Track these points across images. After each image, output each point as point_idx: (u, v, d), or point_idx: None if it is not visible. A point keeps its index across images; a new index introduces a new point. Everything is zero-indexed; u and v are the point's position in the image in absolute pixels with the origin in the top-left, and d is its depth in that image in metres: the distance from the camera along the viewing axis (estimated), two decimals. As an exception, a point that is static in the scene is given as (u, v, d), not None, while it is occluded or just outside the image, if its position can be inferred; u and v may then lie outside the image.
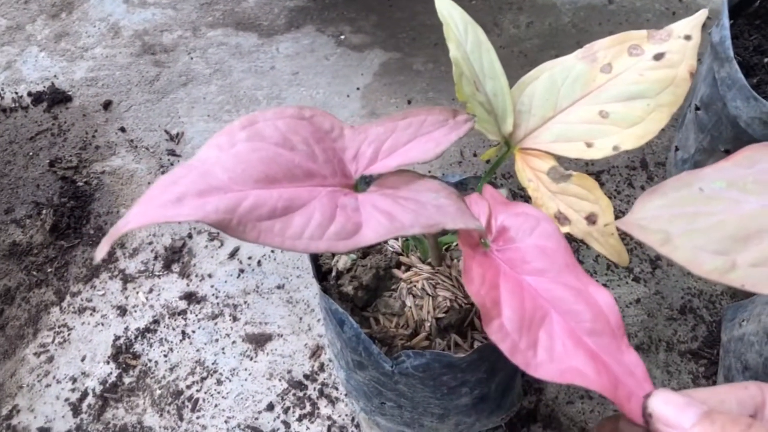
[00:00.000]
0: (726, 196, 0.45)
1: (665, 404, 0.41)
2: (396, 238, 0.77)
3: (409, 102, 1.32)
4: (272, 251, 1.11)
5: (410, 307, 0.72)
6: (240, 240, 0.46)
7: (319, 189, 0.50)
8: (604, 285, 1.05)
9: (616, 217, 1.06)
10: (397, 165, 0.55)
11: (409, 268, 0.75)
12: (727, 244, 0.43)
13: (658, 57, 0.64)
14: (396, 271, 0.75)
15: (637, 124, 0.63)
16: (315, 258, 0.76)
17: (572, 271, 0.51)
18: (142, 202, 0.45)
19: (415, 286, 0.73)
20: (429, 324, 0.71)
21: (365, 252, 0.77)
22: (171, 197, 0.45)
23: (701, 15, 0.65)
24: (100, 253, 0.43)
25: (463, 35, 0.66)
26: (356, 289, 0.72)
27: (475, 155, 1.23)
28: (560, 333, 0.48)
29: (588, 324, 0.48)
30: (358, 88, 1.36)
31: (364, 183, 0.58)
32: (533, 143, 0.66)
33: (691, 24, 0.65)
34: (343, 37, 1.46)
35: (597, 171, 1.20)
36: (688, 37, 0.64)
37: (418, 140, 0.57)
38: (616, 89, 0.65)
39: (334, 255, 0.77)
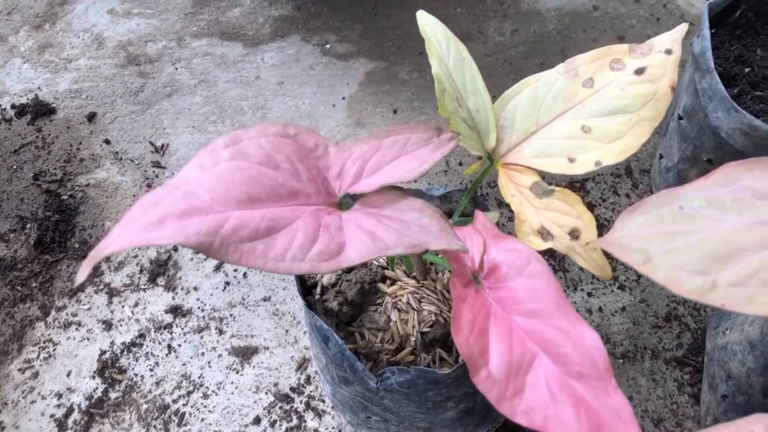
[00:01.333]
0: (706, 215, 0.45)
1: None
2: None
3: (395, 111, 1.32)
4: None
5: (395, 322, 0.72)
6: (222, 261, 0.46)
7: (303, 208, 0.50)
8: (590, 294, 1.06)
9: (601, 225, 1.06)
10: (381, 183, 0.55)
11: (394, 282, 0.75)
12: (707, 263, 0.43)
13: (640, 71, 0.65)
14: (381, 286, 0.75)
15: (619, 139, 0.63)
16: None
17: (563, 312, 0.52)
18: (124, 223, 0.44)
19: (400, 300, 0.74)
20: (414, 338, 0.71)
21: (350, 267, 0.77)
22: (152, 219, 0.44)
23: (682, 29, 0.65)
24: (81, 275, 0.43)
25: (445, 51, 0.66)
26: (341, 305, 0.72)
27: (460, 164, 1.23)
28: (547, 377, 0.48)
29: (576, 367, 0.48)
30: (343, 98, 1.36)
31: (350, 198, 0.58)
32: (516, 158, 0.66)
33: (672, 38, 0.65)
34: (328, 46, 1.46)
35: (582, 179, 1.20)
36: (669, 51, 0.65)
37: (402, 158, 0.57)
38: (598, 104, 0.65)
39: (318, 270, 0.77)
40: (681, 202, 0.47)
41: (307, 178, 0.53)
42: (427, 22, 0.67)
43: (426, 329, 0.71)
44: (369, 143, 0.58)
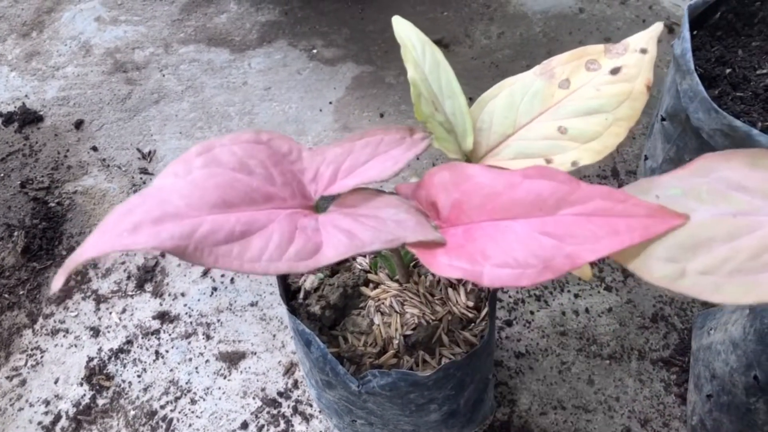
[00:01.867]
0: (681, 204, 0.46)
1: None
2: (364, 256, 0.77)
3: (382, 115, 1.33)
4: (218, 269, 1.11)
5: (378, 325, 0.72)
6: (198, 265, 0.47)
7: (278, 212, 0.51)
8: (576, 295, 1.06)
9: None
10: (356, 184, 0.55)
11: (377, 285, 0.75)
12: (678, 252, 0.44)
13: (615, 71, 0.65)
14: (364, 289, 0.75)
15: (595, 138, 0.63)
16: (283, 278, 0.76)
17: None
18: (99, 231, 0.45)
19: (383, 303, 0.74)
20: (397, 341, 0.71)
21: (333, 270, 0.77)
22: (127, 226, 0.45)
23: (656, 28, 0.66)
24: (57, 283, 0.43)
25: (420, 56, 0.66)
26: (324, 309, 0.73)
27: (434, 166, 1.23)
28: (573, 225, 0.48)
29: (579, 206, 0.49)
30: (330, 102, 1.36)
31: (326, 201, 0.58)
32: (494, 160, 0.66)
33: (646, 37, 0.65)
34: (315, 51, 1.46)
35: (568, 181, 1.20)
36: (644, 51, 0.65)
37: (376, 159, 0.58)
38: (574, 104, 0.65)
39: (302, 275, 0.77)
40: (657, 191, 0.47)
41: (281, 182, 0.54)
42: (402, 28, 0.67)
43: (409, 332, 0.71)
44: (342, 146, 0.58)
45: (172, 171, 0.50)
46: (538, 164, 0.64)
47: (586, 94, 0.65)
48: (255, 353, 1.01)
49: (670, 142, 0.99)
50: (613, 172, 1.22)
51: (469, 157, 0.67)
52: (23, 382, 1.00)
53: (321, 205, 0.55)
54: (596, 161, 0.63)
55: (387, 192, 0.58)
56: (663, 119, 1.00)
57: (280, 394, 0.97)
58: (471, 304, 0.74)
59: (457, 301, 0.74)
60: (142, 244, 0.44)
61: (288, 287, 0.77)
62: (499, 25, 1.50)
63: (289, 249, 0.47)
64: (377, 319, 0.73)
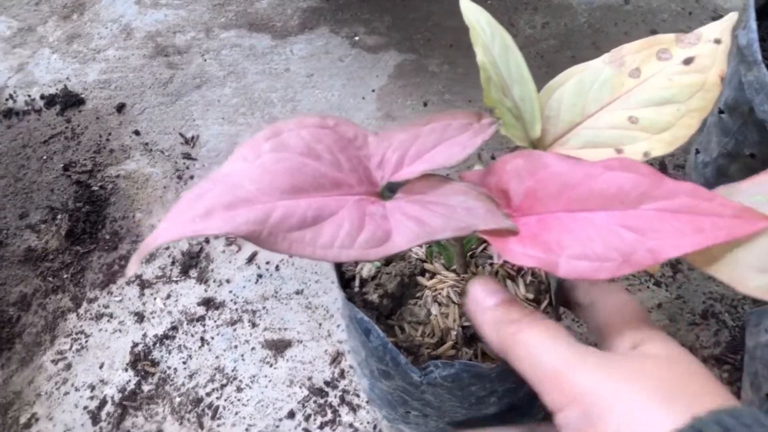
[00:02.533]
0: (766, 211, 0.44)
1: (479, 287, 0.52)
2: (420, 245, 0.76)
3: (425, 104, 1.31)
4: (290, 255, 1.10)
5: (436, 316, 0.71)
6: (271, 251, 0.45)
7: (347, 198, 0.50)
8: (627, 289, 1.04)
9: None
10: (422, 171, 0.54)
11: (433, 275, 0.74)
12: (769, 261, 0.42)
13: (688, 61, 0.63)
14: (421, 279, 0.74)
15: (667, 129, 0.61)
16: (338, 266, 0.75)
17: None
18: (170, 217, 0.44)
19: (440, 294, 0.72)
20: (455, 333, 0.70)
21: (389, 259, 0.76)
22: (199, 211, 0.44)
23: (731, 18, 0.64)
24: (131, 269, 0.42)
25: (490, 39, 0.65)
26: (381, 297, 0.71)
27: (493, 158, 1.22)
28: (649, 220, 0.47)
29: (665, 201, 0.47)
30: (373, 90, 1.35)
31: (389, 191, 0.57)
32: (562, 149, 0.64)
33: (720, 27, 0.63)
34: (357, 38, 1.45)
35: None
36: (717, 41, 0.63)
37: (443, 145, 0.56)
38: (645, 94, 0.63)
39: (357, 263, 0.76)
40: (739, 198, 0.46)
41: (348, 168, 0.52)
42: (470, 10, 0.65)
43: (467, 323, 0.70)
44: (408, 132, 0.56)
45: (241, 155, 0.49)
46: (608, 154, 0.62)
47: (658, 84, 0.63)
48: (301, 341, 1.00)
49: (728, 136, 0.97)
50: (661, 165, 1.20)
51: (536, 145, 0.66)
52: (68, 366, 1.00)
53: (386, 192, 0.54)
54: (667, 153, 0.61)
55: (454, 179, 0.56)
56: (721, 112, 0.98)
57: (326, 383, 0.97)
58: (531, 296, 0.72)
59: (516, 293, 0.73)
60: (216, 229, 0.43)
61: (342, 275, 0.76)
62: (543, 15, 1.47)
63: (360, 236, 0.46)
64: (434, 310, 0.71)
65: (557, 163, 0.52)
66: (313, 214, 0.46)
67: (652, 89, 0.63)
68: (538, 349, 0.44)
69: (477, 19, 0.65)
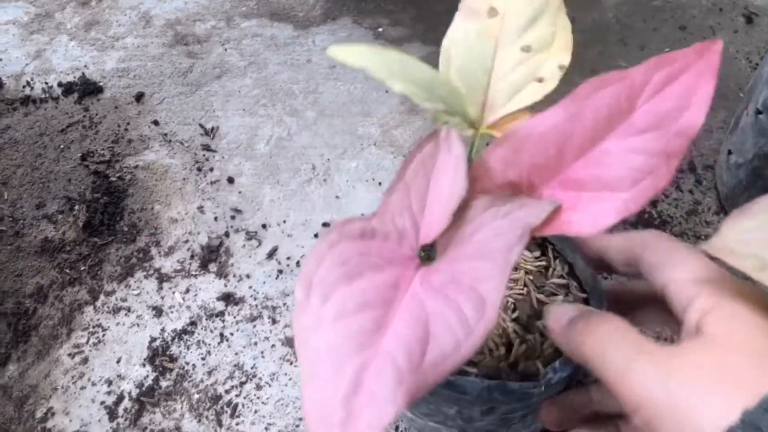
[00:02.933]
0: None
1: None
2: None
3: (450, 98, 1.29)
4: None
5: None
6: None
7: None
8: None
9: (664, 221, 1.03)
10: (441, 229, 0.50)
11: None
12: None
13: None
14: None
15: (555, 38, 0.60)
16: None
17: None
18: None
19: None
20: (511, 328, 0.67)
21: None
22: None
23: None
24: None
25: (388, 66, 0.60)
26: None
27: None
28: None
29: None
30: (396, 84, 1.32)
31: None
32: (496, 113, 0.62)
33: None
34: (381, 29, 1.43)
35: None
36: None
37: (434, 179, 0.53)
38: (514, 23, 0.62)
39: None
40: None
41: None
42: (348, 55, 0.56)
43: (515, 315, 0.67)
44: (399, 189, 0.53)
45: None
46: (534, 89, 0.61)
47: (516, 9, 0.62)
48: (322, 340, 0.98)
49: (765, 137, 0.94)
50: (690, 166, 1.18)
51: (476, 124, 0.63)
52: (85, 360, 0.98)
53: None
54: (570, 56, 0.60)
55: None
56: (758, 112, 0.95)
57: (348, 383, 0.94)
58: (537, 254, 0.70)
59: (525, 260, 0.70)
60: None
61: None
62: (571, 9, 1.43)
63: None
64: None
65: (534, 126, 0.51)
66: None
67: (516, 16, 0.62)
68: (603, 352, 0.43)
69: (363, 59, 0.56)
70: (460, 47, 0.63)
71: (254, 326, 1.00)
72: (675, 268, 0.46)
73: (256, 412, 0.92)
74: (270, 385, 0.94)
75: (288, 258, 1.07)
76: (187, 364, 0.97)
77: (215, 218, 1.12)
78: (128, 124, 1.28)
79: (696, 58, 0.46)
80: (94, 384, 0.96)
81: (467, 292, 0.43)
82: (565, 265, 0.69)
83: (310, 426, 0.37)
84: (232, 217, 1.12)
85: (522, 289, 0.67)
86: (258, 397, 0.93)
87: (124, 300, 1.04)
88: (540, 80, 0.60)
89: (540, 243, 0.71)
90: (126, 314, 1.02)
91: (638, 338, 0.42)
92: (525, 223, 0.46)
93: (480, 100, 0.63)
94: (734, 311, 0.41)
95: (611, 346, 0.43)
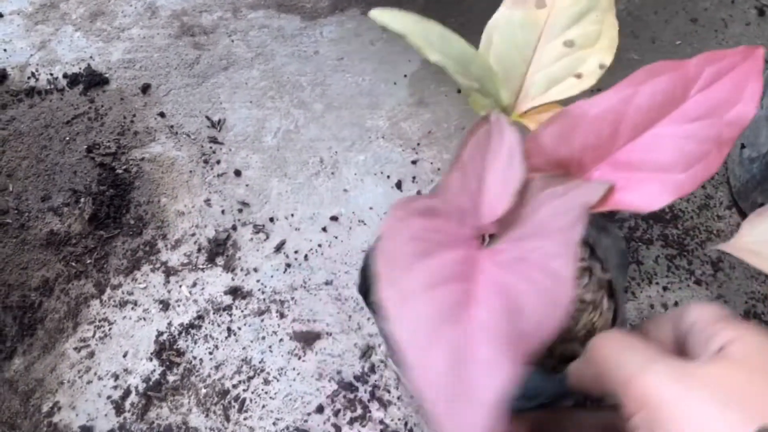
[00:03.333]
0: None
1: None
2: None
3: (459, 90, 1.28)
4: (319, 245, 1.07)
5: None
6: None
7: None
8: (665, 288, 1.01)
9: (676, 216, 1.02)
10: (504, 208, 0.51)
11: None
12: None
13: None
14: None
15: (600, 36, 0.61)
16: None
17: None
18: None
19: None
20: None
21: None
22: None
23: None
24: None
25: (427, 37, 0.61)
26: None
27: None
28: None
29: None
30: (405, 75, 1.31)
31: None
32: (531, 101, 0.63)
33: None
34: (388, 21, 1.41)
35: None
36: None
37: (493, 168, 0.53)
38: (562, 17, 0.63)
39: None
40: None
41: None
42: (391, 19, 0.58)
43: None
44: (455, 171, 0.53)
45: None
46: (571, 84, 0.61)
47: (565, 3, 0.63)
48: (330, 334, 0.98)
49: (780, 131, 0.93)
50: (702, 159, 1.16)
51: (508, 110, 0.63)
52: (91, 354, 0.97)
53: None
54: (614, 57, 0.61)
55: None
56: (774, 106, 0.94)
57: (356, 377, 0.94)
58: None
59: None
60: None
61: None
62: (580, 1, 1.43)
63: None
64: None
65: (589, 107, 0.52)
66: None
67: (564, 10, 0.63)
68: (619, 357, 0.43)
69: (404, 24, 0.60)
70: (503, 32, 0.64)
71: (262, 320, 0.99)
72: (704, 308, 0.46)
73: (263, 406, 0.92)
74: (278, 380, 0.94)
75: (296, 252, 1.06)
76: (195, 358, 0.96)
77: (222, 211, 1.11)
78: (134, 116, 1.27)
79: (741, 60, 0.47)
80: (100, 378, 0.95)
81: (541, 268, 0.43)
82: (587, 249, 0.69)
83: (425, 393, 0.37)
84: (240, 210, 1.11)
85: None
86: (266, 392, 0.93)
87: (130, 293, 1.03)
88: (578, 76, 0.61)
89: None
90: (133, 308, 1.01)
91: (660, 348, 0.42)
92: (583, 201, 0.46)
93: (515, 87, 0.63)
94: (759, 340, 0.41)
95: (630, 351, 0.43)
